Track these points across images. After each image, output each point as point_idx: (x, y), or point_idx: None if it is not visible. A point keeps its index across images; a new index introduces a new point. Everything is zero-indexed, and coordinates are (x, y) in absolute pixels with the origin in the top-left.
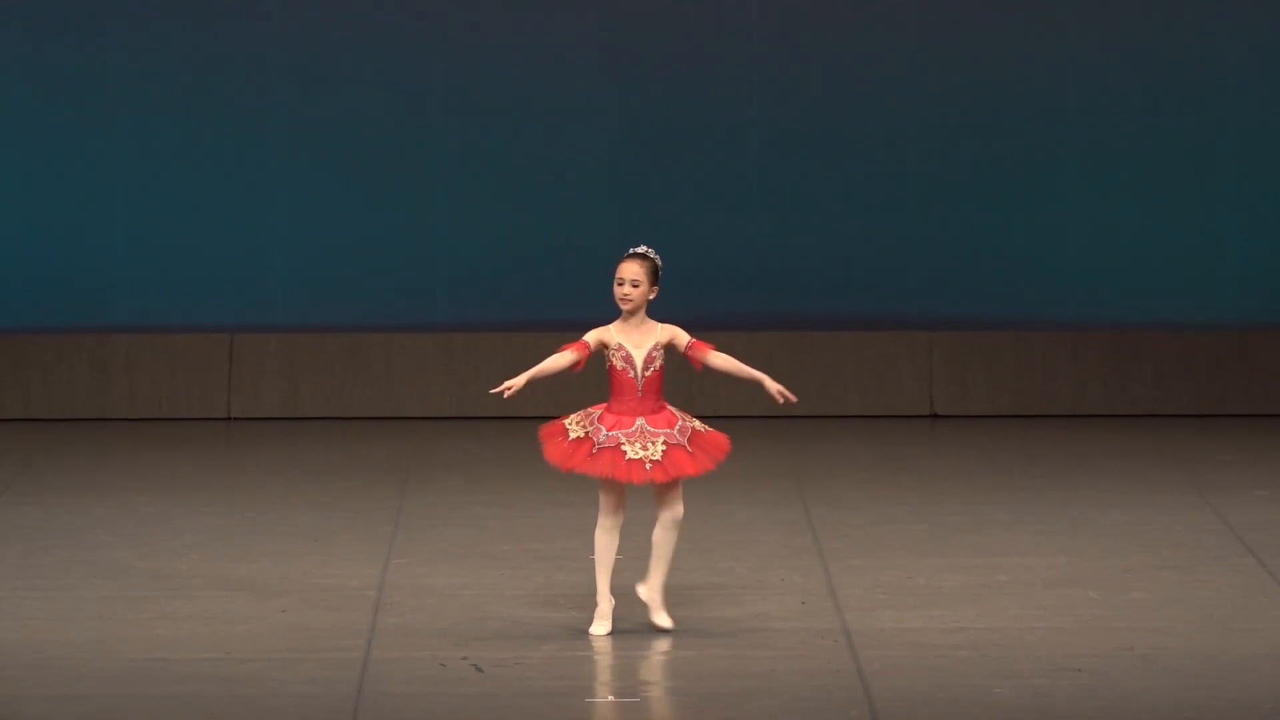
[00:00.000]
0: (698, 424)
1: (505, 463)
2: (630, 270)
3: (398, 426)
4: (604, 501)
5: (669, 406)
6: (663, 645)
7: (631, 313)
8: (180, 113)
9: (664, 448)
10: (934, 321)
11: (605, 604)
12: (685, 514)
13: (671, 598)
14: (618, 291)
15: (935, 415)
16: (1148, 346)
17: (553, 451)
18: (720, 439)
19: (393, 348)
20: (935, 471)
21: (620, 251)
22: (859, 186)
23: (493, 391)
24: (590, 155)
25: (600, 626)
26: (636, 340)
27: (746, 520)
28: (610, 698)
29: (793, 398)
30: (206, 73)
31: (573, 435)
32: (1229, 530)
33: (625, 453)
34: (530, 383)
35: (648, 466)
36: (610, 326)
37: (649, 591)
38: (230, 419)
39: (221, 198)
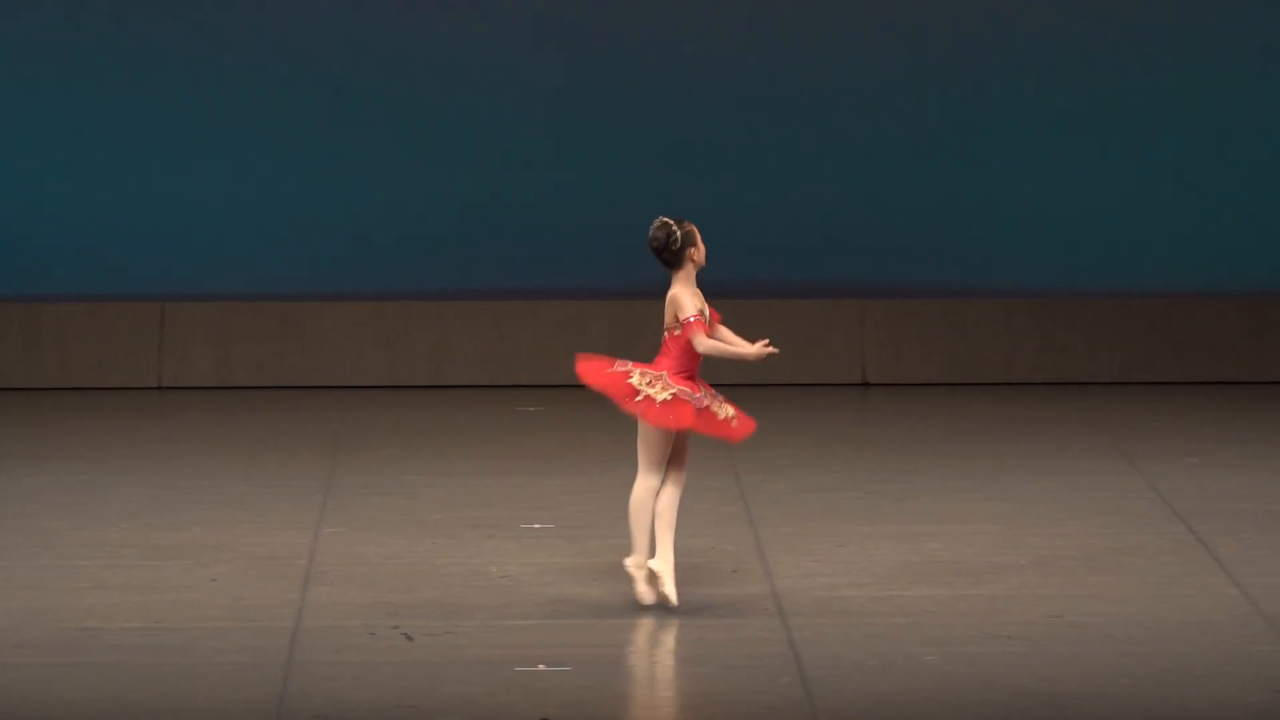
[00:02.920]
0: None
1: (438, 431)
2: (692, 228)
3: (330, 395)
4: (656, 462)
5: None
6: (593, 613)
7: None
8: (109, 80)
9: (731, 407)
10: (866, 289)
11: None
12: (617, 483)
13: (601, 566)
14: (702, 253)
15: (867, 383)
16: (1078, 314)
17: (664, 414)
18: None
19: (325, 316)
20: (867, 440)
21: (552, 214)
22: (791, 154)
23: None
24: (526, 119)
25: (672, 590)
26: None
27: None
28: (541, 666)
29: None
30: (134, 39)
31: (660, 398)
32: (1159, 497)
33: (716, 413)
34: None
35: (734, 424)
36: (695, 289)
37: (661, 563)
38: (161, 388)
39: (153, 166)
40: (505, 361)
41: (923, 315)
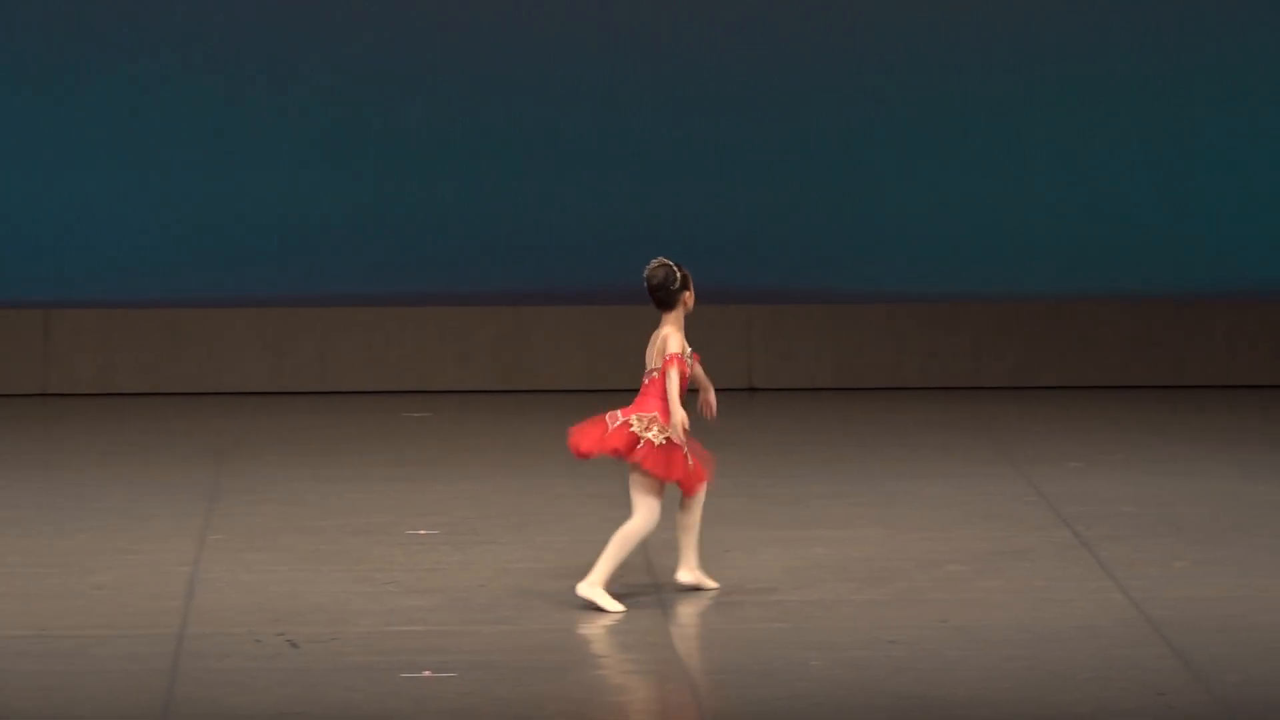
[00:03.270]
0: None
1: (323, 438)
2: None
3: (215, 402)
4: (658, 496)
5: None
6: (483, 619)
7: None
8: None
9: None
10: (752, 294)
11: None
12: (504, 489)
13: (487, 573)
14: (693, 298)
15: (753, 388)
16: (963, 318)
17: (664, 463)
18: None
19: (210, 322)
20: (753, 444)
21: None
22: (678, 158)
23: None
24: (411, 122)
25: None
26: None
27: (565, 494)
28: (426, 672)
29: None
30: (7, 41)
31: (658, 441)
32: (1044, 501)
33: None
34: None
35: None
36: (679, 332)
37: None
38: (46, 395)
39: (35, 172)
40: (391, 367)
41: (809, 320)
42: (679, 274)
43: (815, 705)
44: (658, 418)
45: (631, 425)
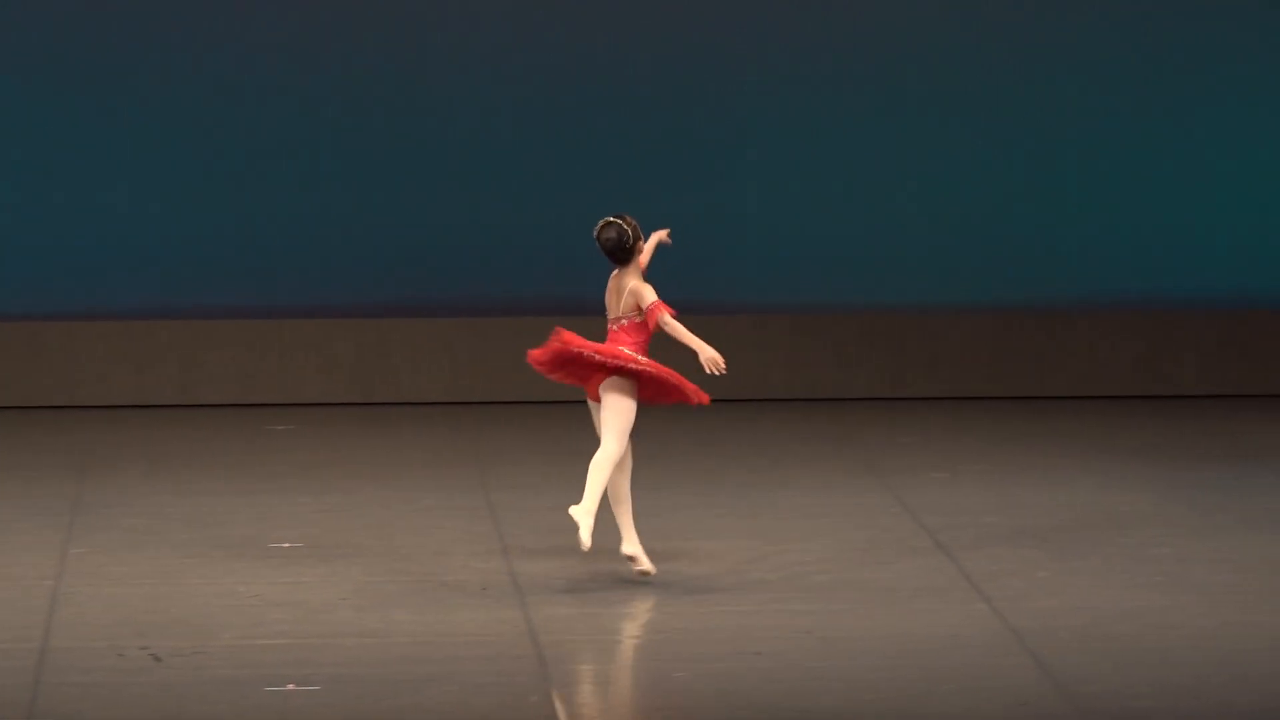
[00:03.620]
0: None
1: (186, 451)
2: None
3: (77, 415)
4: (627, 431)
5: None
6: (347, 632)
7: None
8: None
9: None
10: None
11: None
12: (366, 501)
13: (351, 585)
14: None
15: None
16: (828, 329)
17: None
18: None
19: (72, 335)
20: None
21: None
22: (540, 170)
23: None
24: (268, 139)
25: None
26: None
27: (429, 506)
28: (290, 686)
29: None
30: None
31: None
32: (907, 513)
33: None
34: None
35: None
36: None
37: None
38: None
39: None
40: (253, 380)
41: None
42: (629, 228)
43: (682, 717)
44: (642, 353)
45: (624, 351)
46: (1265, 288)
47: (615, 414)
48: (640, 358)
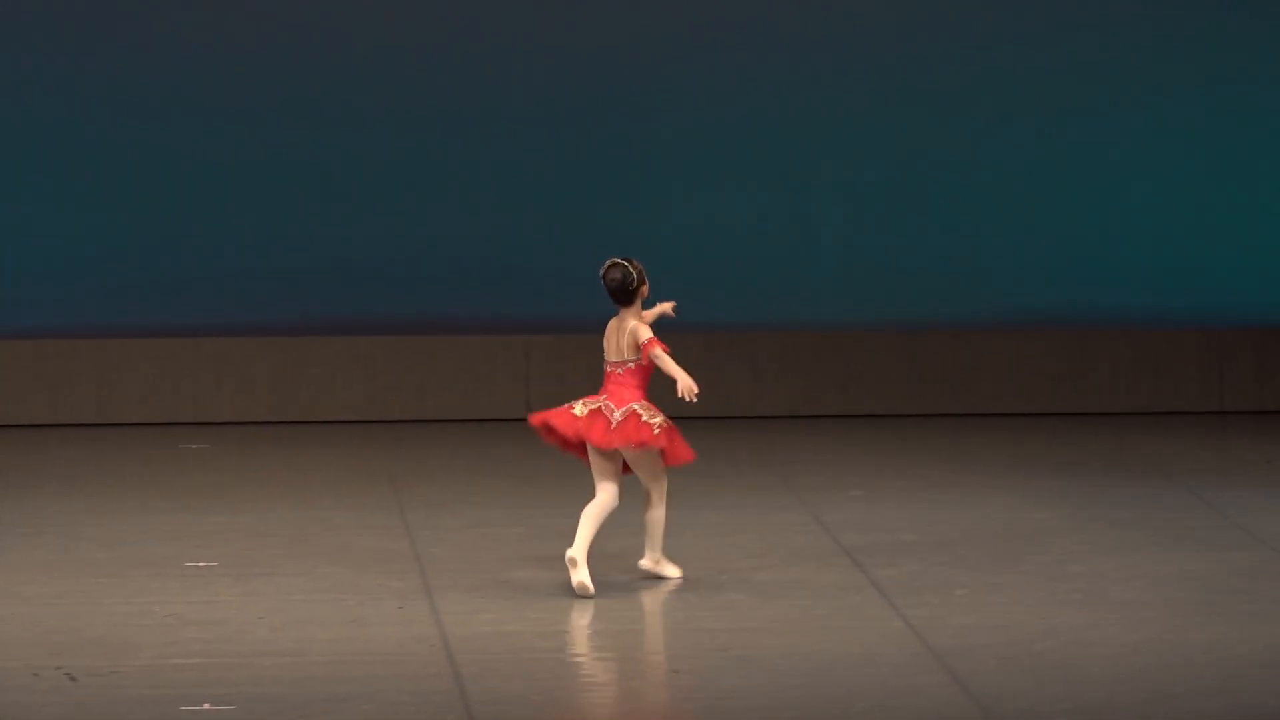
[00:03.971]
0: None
1: (101, 470)
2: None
3: None
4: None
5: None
6: (263, 651)
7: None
8: None
9: None
10: (531, 324)
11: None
12: (281, 520)
13: (266, 604)
14: (647, 288)
15: None
16: (744, 346)
17: (681, 448)
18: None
19: None
20: (532, 474)
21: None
22: (456, 185)
23: (693, 397)
24: (179, 159)
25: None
26: None
27: (343, 524)
28: (206, 705)
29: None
30: None
31: (662, 429)
32: (824, 530)
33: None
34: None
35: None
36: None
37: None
38: None
39: None
40: (169, 399)
41: (587, 350)
42: (634, 271)
43: None
44: (649, 405)
45: (642, 416)
46: (1179, 306)
47: (651, 472)
48: (656, 421)
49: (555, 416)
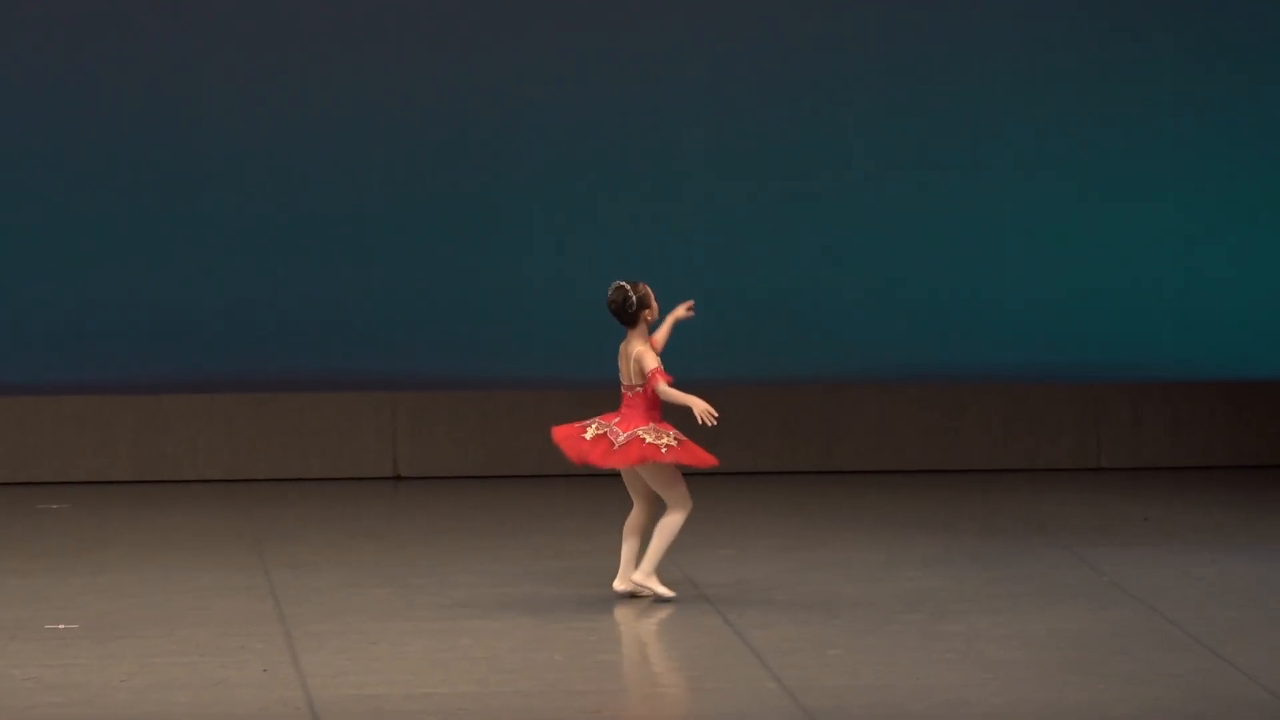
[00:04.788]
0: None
1: None
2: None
3: None
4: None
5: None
6: (125, 715)
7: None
8: None
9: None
10: (396, 381)
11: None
12: (141, 580)
13: (130, 667)
14: (655, 310)
15: (399, 476)
16: (612, 403)
17: (699, 454)
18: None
19: None
20: (398, 534)
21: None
22: (320, 244)
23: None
24: (42, 208)
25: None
26: None
27: (207, 586)
28: None
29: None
30: None
31: (676, 444)
32: (695, 589)
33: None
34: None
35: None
36: (647, 344)
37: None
38: None
39: None
40: (26, 458)
41: (455, 406)
42: (634, 294)
43: None
44: (656, 427)
45: (646, 440)
46: (1053, 361)
47: (665, 484)
48: (664, 441)
49: (565, 440)
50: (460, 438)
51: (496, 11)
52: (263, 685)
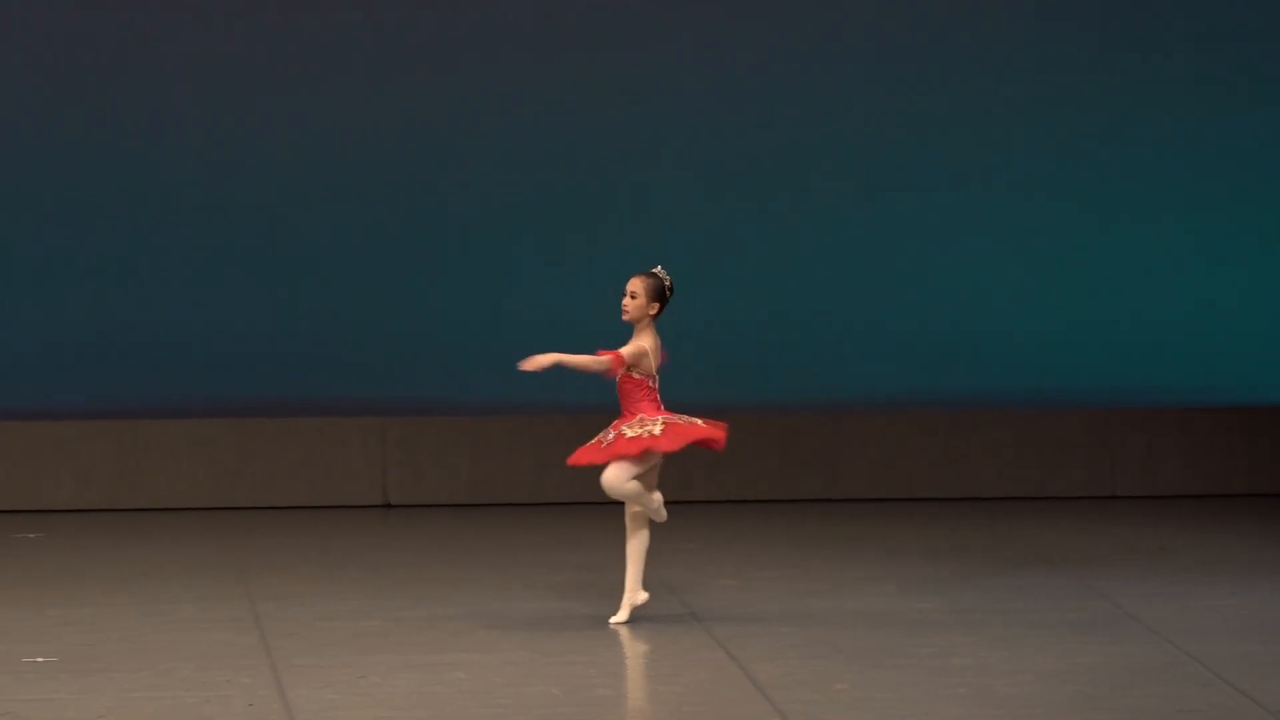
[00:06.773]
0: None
1: None
2: (632, 284)
3: None
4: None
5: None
6: None
7: (629, 322)
8: None
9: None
10: (387, 407)
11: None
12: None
13: (109, 700)
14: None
15: (389, 504)
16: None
17: (689, 431)
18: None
19: None
20: (387, 564)
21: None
22: (292, 271)
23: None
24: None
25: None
26: None
27: (189, 618)
28: None
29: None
30: None
31: (658, 430)
32: (696, 620)
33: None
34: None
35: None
36: (642, 336)
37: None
38: None
39: None
40: (1, 486)
41: (445, 433)
42: (645, 284)
43: None
44: (643, 418)
45: (627, 434)
46: (1061, 388)
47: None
48: (644, 430)
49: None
50: (452, 464)
51: (482, 40)
52: None
